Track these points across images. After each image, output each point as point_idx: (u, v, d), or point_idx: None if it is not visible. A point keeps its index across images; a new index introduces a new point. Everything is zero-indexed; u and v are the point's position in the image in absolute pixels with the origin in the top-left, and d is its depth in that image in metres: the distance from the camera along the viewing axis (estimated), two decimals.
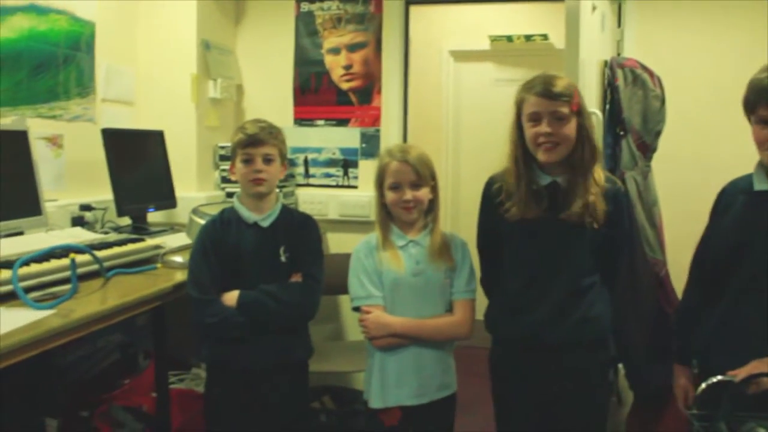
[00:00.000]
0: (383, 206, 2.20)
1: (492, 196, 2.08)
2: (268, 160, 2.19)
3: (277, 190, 3.43)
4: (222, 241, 2.17)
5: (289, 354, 2.20)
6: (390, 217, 2.20)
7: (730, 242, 1.89)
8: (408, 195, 2.13)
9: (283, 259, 2.20)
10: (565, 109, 1.94)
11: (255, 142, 2.16)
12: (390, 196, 2.15)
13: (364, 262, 2.18)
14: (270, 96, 3.76)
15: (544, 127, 1.94)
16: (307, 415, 2.44)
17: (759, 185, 1.85)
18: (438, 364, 2.16)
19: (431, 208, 2.21)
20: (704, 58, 3.28)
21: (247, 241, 2.18)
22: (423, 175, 2.14)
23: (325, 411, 3.36)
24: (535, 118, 1.96)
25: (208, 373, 2.28)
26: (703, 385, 1.73)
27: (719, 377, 1.73)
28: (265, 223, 2.21)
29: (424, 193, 2.15)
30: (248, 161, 2.17)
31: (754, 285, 1.83)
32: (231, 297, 2.12)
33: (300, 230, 2.27)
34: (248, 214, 2.21)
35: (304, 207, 3.66)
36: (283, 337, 2.18)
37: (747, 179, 1.90)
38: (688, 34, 3.29)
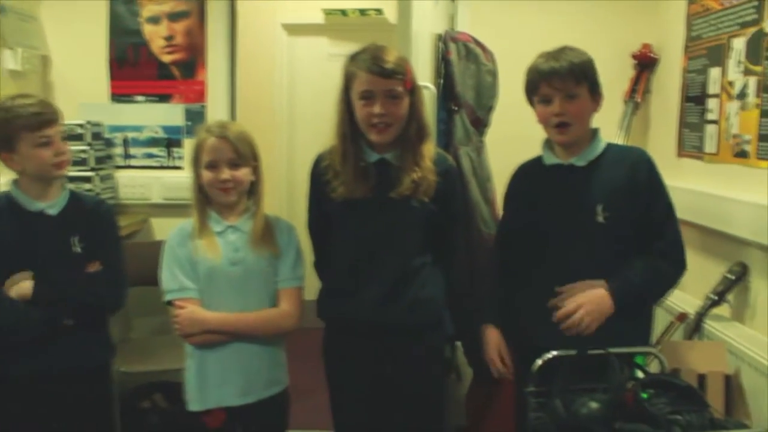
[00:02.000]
0: (200, 188, 2.00)
1: (320, 175, 2.00)
2: (63, 139, 1.96)
3: (93, 173, 3.17)
4: None
5: (87, 356, 1.99)
6: (207, 200, 2.01)
7: (526, 219, 1.97)
8: (225, 174, 1.94)
9: (77, 249, 1.97)
10: (399, 88, 1.88)
11: (50, 121, 1.91)
12: (206, 175, 1.96)
13: (176, 252, 1.98)
14: (82, 69, 3.41)
15: (377, 108, 1.86)
16: (114, 424, 2.25)
17: (548, 161, 1.96)
18: (265, 360, 2.02)
19: (253, 190, 2.04)
20: (536, 36, 3.31)
21: (31, 233, 1.93)
22: (243, 153, 1.97)
23: (156, 410, 3.12)
24: (368, 97, 1.88)
25: None
26: (539, 362, 1.77)
27: (554, 353, 1.75)
28: (53, 211, 1.98)
29: (244, 174, 1.98)
30: (47, 143, 1.91)
31: (559, 251, 1.90)
32: (20, 289, 1.87)
33: (93, 216, 2.05)
34: (31, 202, 1.96)
35: (124, 191, 3.38)
36: (79, 338, 1.96)
37: (533, 161, 2.02)
38: (520, 10, 3.32)
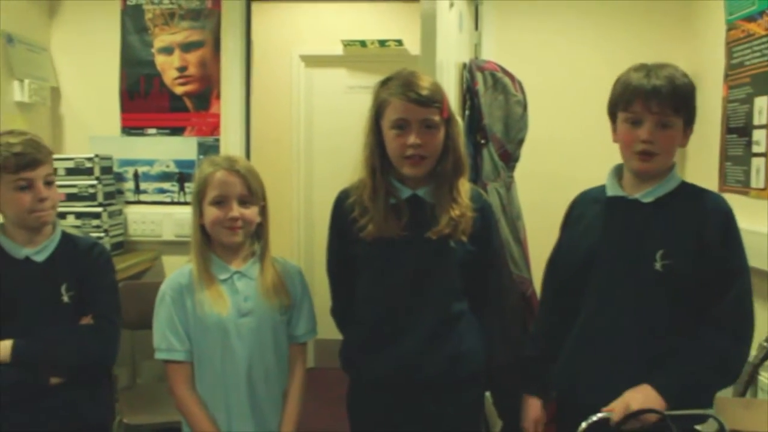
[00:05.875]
0: (201, 229, 1.81)
1: (345, 213, 1.81)
2: (48, 182, 1.78)
3: (101, 209, 3.04)
4: None
5: (79, 418, 1.80)
6: (209, 243, 1.83)
7: (583, 251, 1.74)
8: (235, 212, 1.76)
9: (65, 299, 1.80)
10: (435, 117, 1.72)
11: (32, 163, 1.74)
12: (212, 213, 1.77)
13: (170, 308, 1.79)
14: (93, 101, 3.33)
15: (413, 138, 1.70)
16: None
17: (611, 191, 1.73)
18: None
19: (260, 233, 1.87)
20: (563, 65, 3.20)
21: (15, 281, 1.76)
22: (254, 189, 1.79)
23: None
24: (402, 126, 1.71)
25: None
26: (584, 425, 1.55)
27: (599, 415, 1.55)
28: (40, 258, 1.81)
29: (252, 213, 1.80)
30: (27, 187, 1.74)
31: (607, 294, 1.68)
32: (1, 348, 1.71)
33: (85, 261, 1.87)
34: (17, 248, 1.80)
35: (134, 227, 3.27)
36: (72, 396, 1.77)
37: (598, 189, 1.79)
38: (547, 38, 3.20)
